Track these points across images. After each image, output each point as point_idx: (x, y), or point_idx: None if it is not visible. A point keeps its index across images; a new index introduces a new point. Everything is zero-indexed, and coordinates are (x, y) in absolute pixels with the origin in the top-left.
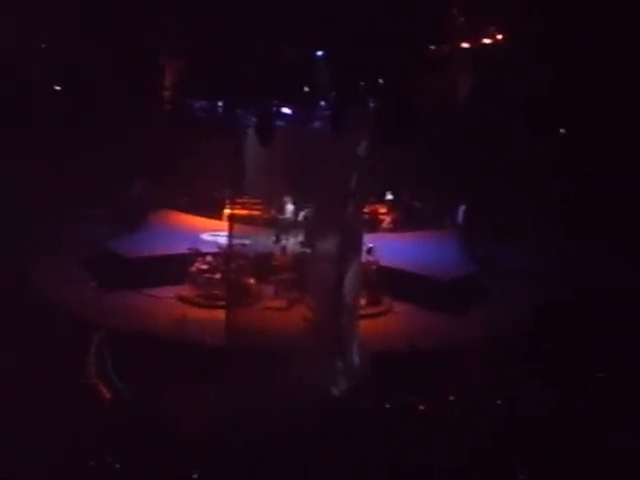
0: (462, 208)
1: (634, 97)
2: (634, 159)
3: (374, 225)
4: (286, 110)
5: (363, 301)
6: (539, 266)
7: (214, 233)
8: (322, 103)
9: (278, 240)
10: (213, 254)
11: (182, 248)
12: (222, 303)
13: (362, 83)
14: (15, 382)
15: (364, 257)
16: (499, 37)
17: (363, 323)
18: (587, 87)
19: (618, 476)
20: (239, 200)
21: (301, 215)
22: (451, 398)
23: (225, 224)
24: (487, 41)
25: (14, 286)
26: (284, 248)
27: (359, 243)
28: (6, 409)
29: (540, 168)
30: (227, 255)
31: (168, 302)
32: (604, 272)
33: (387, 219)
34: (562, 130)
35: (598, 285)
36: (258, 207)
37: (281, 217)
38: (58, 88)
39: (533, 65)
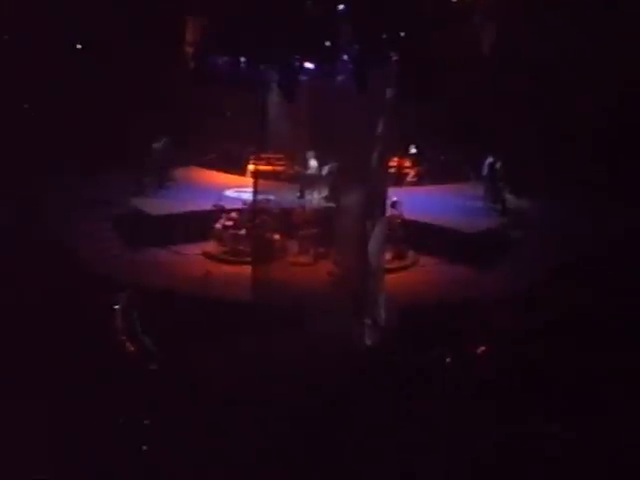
0: (488, 161)
1: None
2: None
3: (398, 179)
4: (309, 65)
5: (388, 255)
6: (567, 219)
7: (238, 189)
8: (345, 57)
9: (302, 195)
10: (238, 210)
11: (207, 205)
12: (248, 259)
13: (384, 37)
14: (42, 339)
15: (389, 211)
16: None
17: (388, 277)
18: (617, 36)
19: None
20: (263, 156)
21: (325, 170)
22: (478, 350)
23: (249, 180)
24: None
25: (41, 245)
26: (308, 203)
27: (383, 197)
28: (34, 366)
29: (568, 120)
30: (252, 211)
31: (194, 259)
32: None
33: (411, 173)
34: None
35: (627, 239)
36: (282, 162)
37: (305, 172)
38: (80, 46)
39: (557, 16)
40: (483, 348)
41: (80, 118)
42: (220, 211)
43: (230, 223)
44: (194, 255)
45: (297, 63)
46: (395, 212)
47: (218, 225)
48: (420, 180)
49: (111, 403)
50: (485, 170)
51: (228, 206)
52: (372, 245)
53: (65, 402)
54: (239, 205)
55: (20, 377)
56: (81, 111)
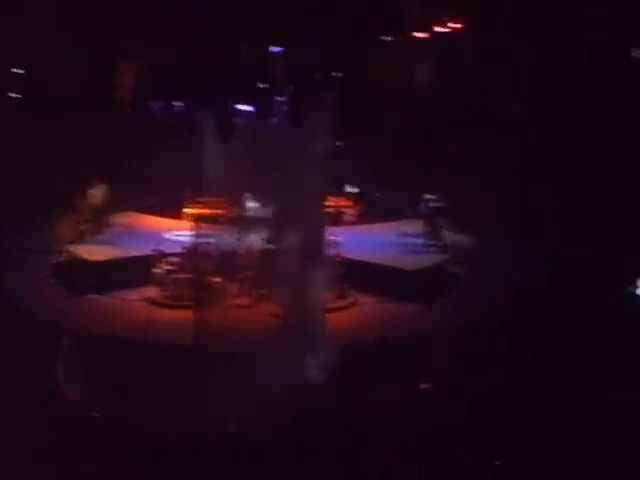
0: (426, 198)
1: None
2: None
3: (337, 218)
4: (244, 107)
5: (329, 295)
6: (504, 254)
7: (177, 233)
8: (280, 98)
9: (242, 237)
10: (177, 254)
11: (146, 249)
12: (189, 303)
13: (318, 77)
14: None
15: (328, 251)
16: (454, 25)
17: (330, 317)
18: (549, 72)
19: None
20: (201, 199)
21: (264, 211)
22: (422, 387)
23: (188, 224)
24: (442, 30)
25: None
26: (248, 245)
27: (322, 237)
28: None
29: (504, 156)
30: (191, 255)
31: (135, 304)
32: (573, 258)
33: (350, 212)
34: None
35: (567, 271)
36: (220, 205)
37: (244, 214)
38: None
39: (490, 52)
40: (426, 385)
41: (15, 165)
42: (160, 255)
43: (170, 267)
44: (134, 300)
45: (231, 105)
46: (334, 252)
47: (158, 270)
48: (359, 218)
49: (52, 452)
50: (424, 207)
51: (167, 250)
52: (312, 285)
53: (7, 449)
54: (178, 249)
55: None
56: (16, 159)
